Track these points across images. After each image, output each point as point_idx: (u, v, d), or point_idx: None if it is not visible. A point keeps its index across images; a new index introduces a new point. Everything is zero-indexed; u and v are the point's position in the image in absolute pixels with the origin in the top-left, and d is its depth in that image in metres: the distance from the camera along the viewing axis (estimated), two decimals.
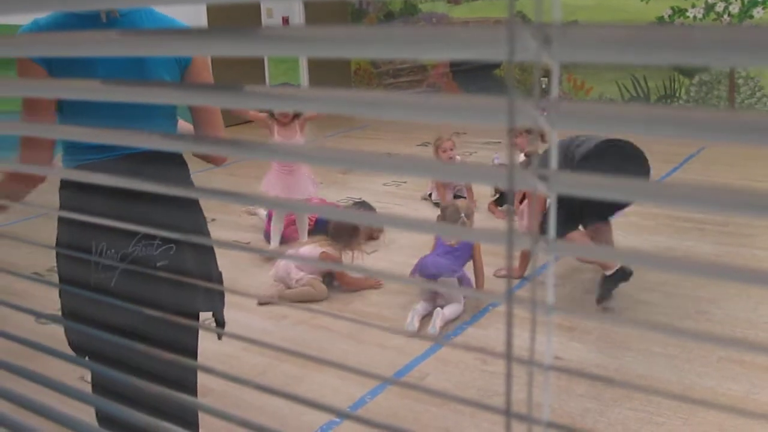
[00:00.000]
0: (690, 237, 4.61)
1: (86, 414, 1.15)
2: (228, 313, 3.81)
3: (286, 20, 10.22)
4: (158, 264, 1.80)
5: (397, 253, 4.50)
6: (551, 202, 0.47)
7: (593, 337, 3.31)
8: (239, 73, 9.24)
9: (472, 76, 9.30)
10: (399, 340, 3.37)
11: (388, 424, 0.63)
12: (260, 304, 3.78)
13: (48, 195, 1.73)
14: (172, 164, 1.84)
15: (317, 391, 2.91)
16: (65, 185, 1.79)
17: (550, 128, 0.44)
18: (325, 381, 3.00)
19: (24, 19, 1.52)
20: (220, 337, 2.12)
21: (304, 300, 3.81)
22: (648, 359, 3.11)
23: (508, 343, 0.47)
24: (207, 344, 3.26)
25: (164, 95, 0.83)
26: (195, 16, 8.57)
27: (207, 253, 1.94)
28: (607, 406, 2.78)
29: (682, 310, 3.57)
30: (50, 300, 3.61)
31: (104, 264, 1.75)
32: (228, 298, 3.93)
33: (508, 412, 0.47)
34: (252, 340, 0.68)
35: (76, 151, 1.78)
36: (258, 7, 9.61)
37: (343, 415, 0.70)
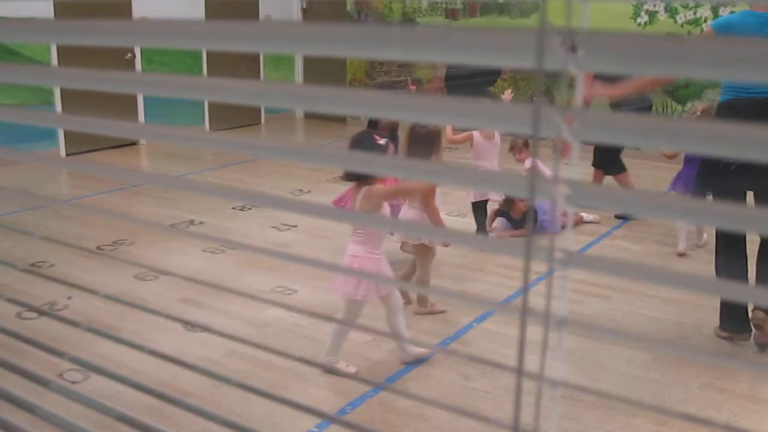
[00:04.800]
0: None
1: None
2: (211, 318, 3.78)
3: None
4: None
5: None
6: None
7: (576, 357, 3.30)
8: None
9: (468, 92, 9.34)
10: (381, 353, 3.36)
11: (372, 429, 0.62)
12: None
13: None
14: None
15: (297, 400, 2.88)
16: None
17: (573, 139, 0.43)
18: (306, 390, 2.98)
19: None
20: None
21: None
22: (629, 382, 3.11)
23: (520, 359, 0.46)
24: (190, 348, 3.24)
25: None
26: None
27: None
28: (587, 427, 2.77)
29: (664, 335, 3.58)
30: (32, 295, 3.58)
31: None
32: (212, 303, 3.88)
33: (516, 429, 0.46)
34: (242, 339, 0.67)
35: (732, 89, 3.17)
36: (257, 15, 9.64)
37: (328, 418, 0.68)
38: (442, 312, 3.83)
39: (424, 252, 3.79)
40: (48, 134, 7.38)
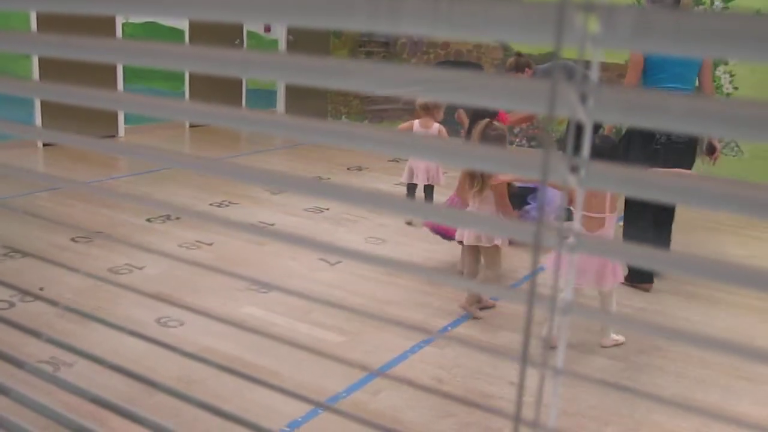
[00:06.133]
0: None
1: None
2: (185, 314, 3.73)
3: (267, 28, 10.16)
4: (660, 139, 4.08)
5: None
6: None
7: None
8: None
9: None
10: (356, 354, 3.34)
11: (366, 419, 0.60)
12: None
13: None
14: None
15: (258, 401, 2.83)
16: None
17: (588, 118, 0.42)
18: (271, 393, 2.94)
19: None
20: None
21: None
22: (600, 390, 3.12)
23: (525, 344, 0.45)
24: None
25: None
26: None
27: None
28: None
29: (637, 344, 3.60)
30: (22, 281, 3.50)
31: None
32: (186, 298, 3.81)
33: (517, 418, 0.45)
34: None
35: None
36: None
37: (316, 405, 0.67)
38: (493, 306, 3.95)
39: (495, 253, 3.78)
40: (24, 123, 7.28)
